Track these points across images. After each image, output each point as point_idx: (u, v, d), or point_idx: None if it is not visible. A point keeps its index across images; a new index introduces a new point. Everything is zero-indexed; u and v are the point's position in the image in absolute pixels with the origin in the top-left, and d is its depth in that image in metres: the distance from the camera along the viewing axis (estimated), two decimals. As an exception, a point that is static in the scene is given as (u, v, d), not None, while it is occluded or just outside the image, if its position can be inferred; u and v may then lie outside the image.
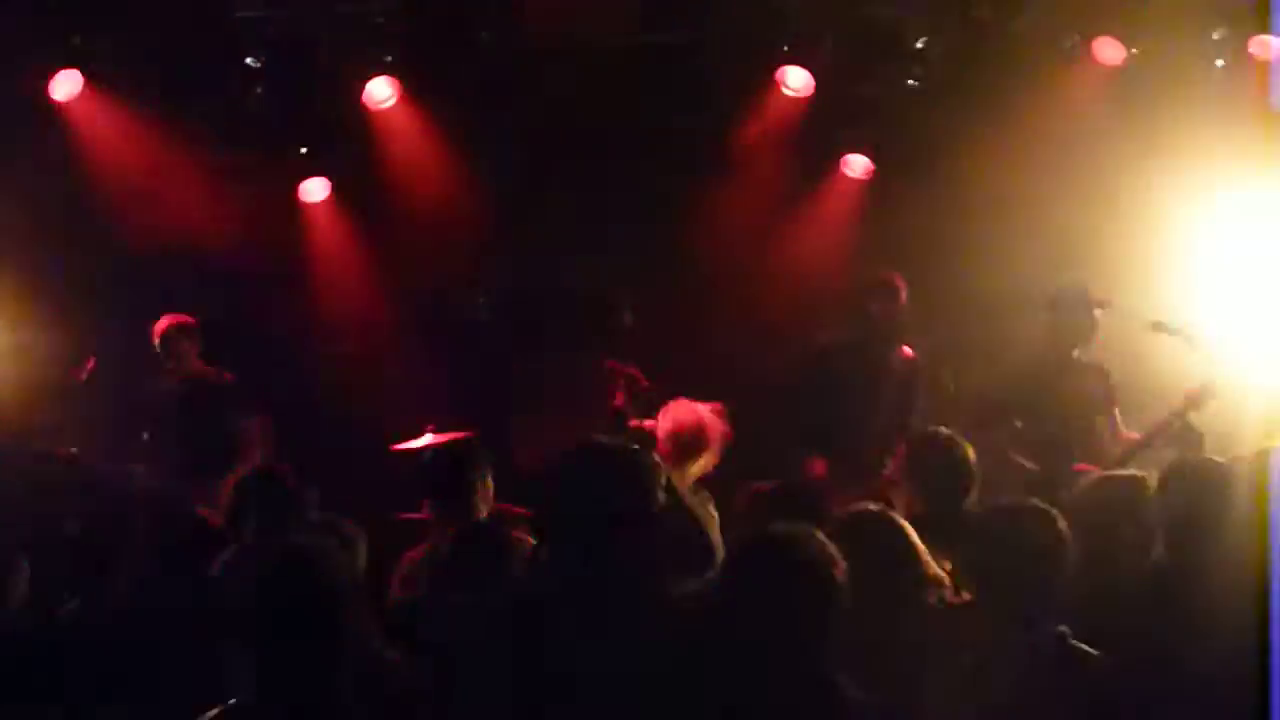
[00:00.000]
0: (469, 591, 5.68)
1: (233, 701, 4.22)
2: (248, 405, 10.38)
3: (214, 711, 4.23)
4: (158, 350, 10.42)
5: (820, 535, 4.46)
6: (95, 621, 6.13)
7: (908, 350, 10.13)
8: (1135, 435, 9.47)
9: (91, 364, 10.38)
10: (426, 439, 10.12)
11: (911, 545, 5.38)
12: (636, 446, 4.78)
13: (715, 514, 7.75)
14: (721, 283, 11.92)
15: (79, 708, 5.59)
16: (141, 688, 5.48)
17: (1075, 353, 9.80)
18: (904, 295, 9.98)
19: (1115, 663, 5.00)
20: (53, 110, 11.43)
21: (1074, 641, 4.99)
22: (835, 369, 9.98)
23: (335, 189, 12.26)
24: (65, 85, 11.34)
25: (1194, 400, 9.11)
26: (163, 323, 10.45)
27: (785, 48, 11.68)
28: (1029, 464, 9.47)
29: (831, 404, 9.90)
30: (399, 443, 10.27)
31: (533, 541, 6.15)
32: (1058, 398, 9.64)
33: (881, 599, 4.86)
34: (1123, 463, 9.11)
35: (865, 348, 10.03)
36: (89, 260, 11.73)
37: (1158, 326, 9.59)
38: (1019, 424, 9.72)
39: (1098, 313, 9.71)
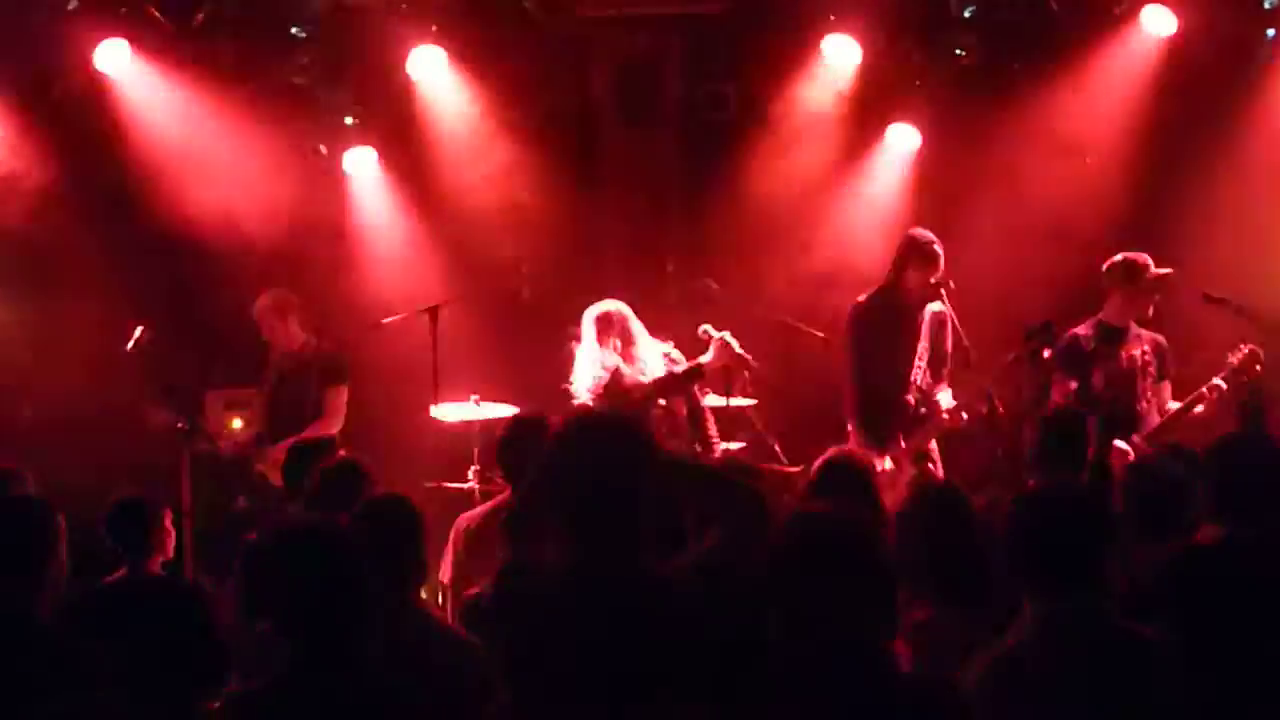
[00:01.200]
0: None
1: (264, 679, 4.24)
2: (338, 374, 10.48)
3: (243, 690, 4.25)
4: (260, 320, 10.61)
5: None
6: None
7: (938, 306, 9.97)
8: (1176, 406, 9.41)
9: (139, 332, 10.42)
10: (469, 408, 10.14)
11: None
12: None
13: None
14: (766, 252, 11.86)
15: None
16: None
17: (1135, 323, 9.68)
18: (939, 259, 9.86)
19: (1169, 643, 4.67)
20: (98, 80, 11.49)
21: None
22: (872, 327, 9.89)
23: (381, 158, 12.28)
24: (112, 55, 11.39)
25: (1240, 370, 9.05)
26: (263, 300, 10.61)
27: (831, 17, 11.58)
28: None
29: (871, 363, 9.83)
30: (440, 412, 10.31)
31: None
32: (1115, 366, 9.54)
33: None
34: (1164, 433, 9.10)
35: (901, 307, 9.93)
36: (132, 233, 11.78)
37: (1209, 299, 9.52)
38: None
39: (1156, 284, 9.60)
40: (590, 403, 9.25)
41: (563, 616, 4.27)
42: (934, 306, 9.85)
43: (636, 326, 9.58)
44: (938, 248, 9.79)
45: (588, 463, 4.39)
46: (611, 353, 9.43)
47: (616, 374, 9.37)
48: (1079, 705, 4.43)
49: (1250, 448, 5.88)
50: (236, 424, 11.52)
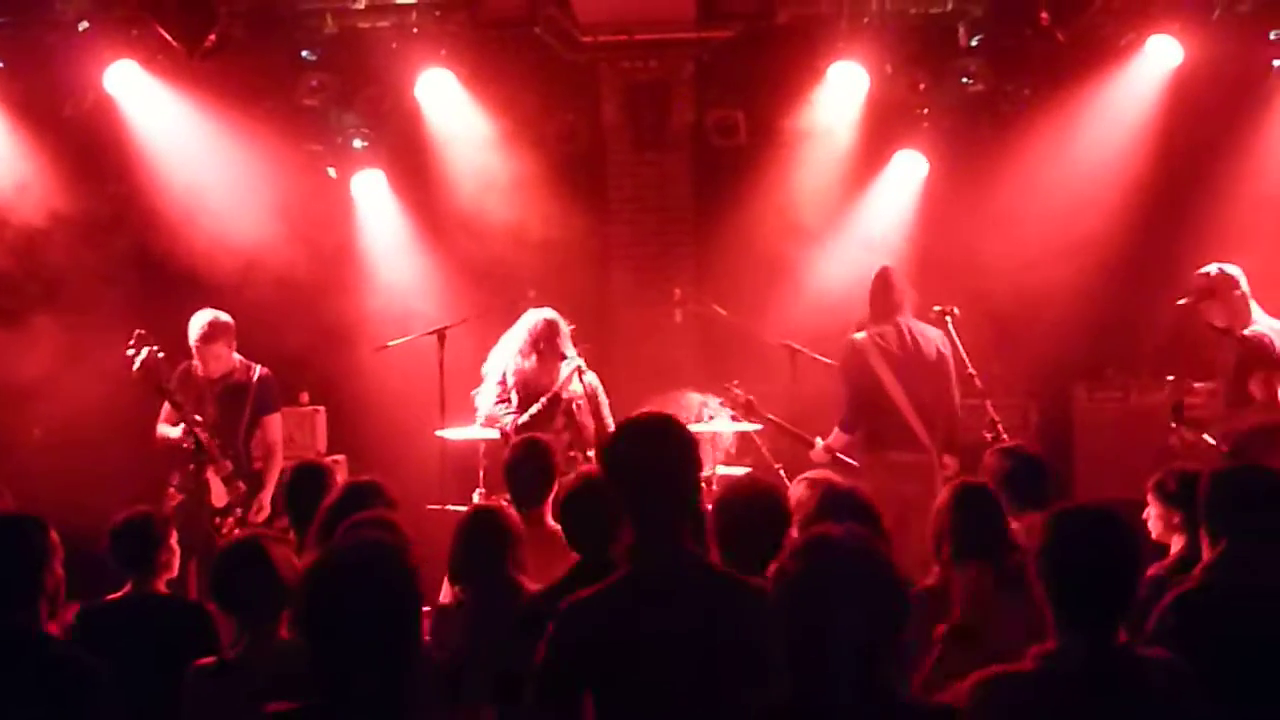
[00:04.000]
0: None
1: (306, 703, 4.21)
2: (272, 403, 10.28)
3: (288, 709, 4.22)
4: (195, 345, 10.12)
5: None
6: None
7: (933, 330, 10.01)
8: None
9: (145, 352, 10.39)
10: (475, 430, 10.15)
11: None
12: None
13: None
14: (773, 278, 11.88)
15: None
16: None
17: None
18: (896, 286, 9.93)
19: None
20: (109, 101, 11.55)
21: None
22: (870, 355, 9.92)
23: (390, 181, 12.32)
24: (122, 76, 11.44)
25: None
26: (200, 319, 10.12)
27: (839, 45, 11.62)
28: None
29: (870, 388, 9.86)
30: (445, 433, 10.33)
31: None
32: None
33: None
34: None
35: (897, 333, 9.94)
36: (140, 253, 11.83)
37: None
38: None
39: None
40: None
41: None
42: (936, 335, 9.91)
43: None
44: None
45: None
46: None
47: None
48: None
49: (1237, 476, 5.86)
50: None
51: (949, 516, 6.31)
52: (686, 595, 4.56)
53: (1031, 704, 4.35)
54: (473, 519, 6.52)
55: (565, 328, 10.01)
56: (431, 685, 4.70)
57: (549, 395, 9.92)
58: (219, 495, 9.77)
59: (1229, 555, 5.54)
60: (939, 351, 9.92)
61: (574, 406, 9.97)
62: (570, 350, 9.97)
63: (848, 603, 4.02)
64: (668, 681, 4.50)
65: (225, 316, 10.06)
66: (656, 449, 4.69)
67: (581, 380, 9.92)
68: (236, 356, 10.11)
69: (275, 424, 10.25)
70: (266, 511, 9.89)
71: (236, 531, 9.69)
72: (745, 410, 10.19)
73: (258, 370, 10.18)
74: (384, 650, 4.12)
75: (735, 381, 10.29)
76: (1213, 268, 9.44)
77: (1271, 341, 9.26)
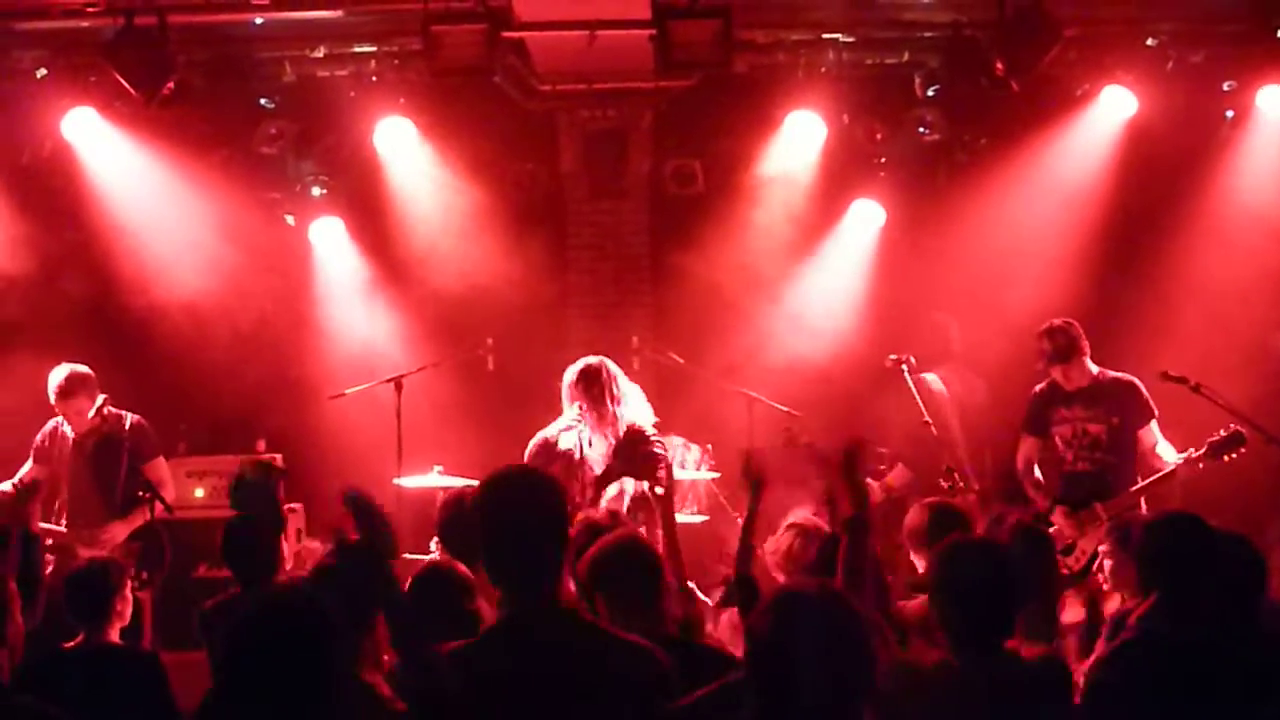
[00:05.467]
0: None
1: None
2: (151, 449, 10.12)
3: None
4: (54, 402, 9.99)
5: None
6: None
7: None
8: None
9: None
10: (433, 478, 10.12)
11: None
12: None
13: None
14: (731, 326, 11.91)
15: None
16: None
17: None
18: None
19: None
20: (65, 149, 11.53)
21: None
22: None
23: (348, 229, 12.32)
24: (80, 123, 11.42)
25: (1216, 450, 9.11)
26: (55, 376, 9.98)
27: (796, 94, 11.68)
28: None
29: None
30: (403, 482, 10.29)
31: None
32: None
33: None
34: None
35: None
36: (96, 299, 11.80)
37: (1167, 377, 9.57)
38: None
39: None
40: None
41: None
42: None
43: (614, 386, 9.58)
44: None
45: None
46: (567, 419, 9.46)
47: (545, 445, 9.45)
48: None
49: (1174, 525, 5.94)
50: (199, 493, 11.48)
51: None
52: (545, 643, 4.47)
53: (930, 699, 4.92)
54: (424, 578, 6.41)
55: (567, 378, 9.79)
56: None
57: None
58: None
59: (1158, 606, 5.66)
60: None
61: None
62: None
63: (815, 660, 4.03)
64: None
65: (82, 369, 9.95)
66: (515, 503, 4.60)
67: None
68: (110, 408, 9.93)
69: (157, 469, 10.08)
70: (117, 540, 9.75)
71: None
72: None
73: (129, 419, 10.03)
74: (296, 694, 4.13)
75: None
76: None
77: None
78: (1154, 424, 9.57)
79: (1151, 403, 9.54)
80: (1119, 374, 9.72)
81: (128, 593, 6.87)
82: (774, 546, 7.35)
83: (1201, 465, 9.21)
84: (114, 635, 6.76)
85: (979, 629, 5.06)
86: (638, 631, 4.80)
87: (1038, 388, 9.91)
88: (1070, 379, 9.73)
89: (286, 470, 4.85)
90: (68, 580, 6.76)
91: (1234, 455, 9.13)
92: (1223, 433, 9.13)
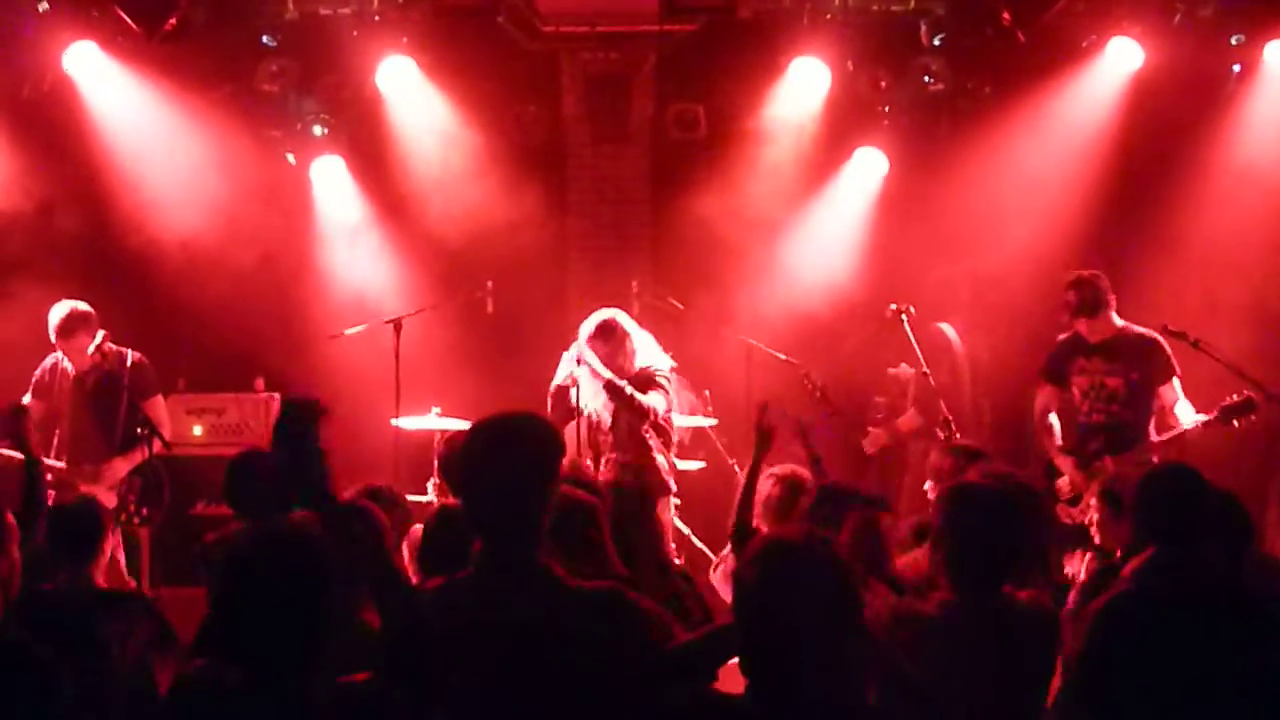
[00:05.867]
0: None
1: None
2: (150, 387, 10.00)
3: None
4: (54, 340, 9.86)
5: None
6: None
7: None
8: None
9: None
10: (431, 419, 10.13)
11: None
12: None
13: None
14: (731, 273, 11.90)
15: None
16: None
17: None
18: None
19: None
20: (66, 83, 11.49)
21: None
22: None
23: (349, 168, 12.29)
24: (81, 58, 11.38)
25: (1227, 414, 9.10)
26: (56, 312, 9.85)
27: (801, 41, 11.64)
28: None
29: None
30: (401, 423, 10.31)
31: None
32: None
33: None
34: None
35: None
36: (97, 235, 11.78)
37: (1169, 332, 9.56)
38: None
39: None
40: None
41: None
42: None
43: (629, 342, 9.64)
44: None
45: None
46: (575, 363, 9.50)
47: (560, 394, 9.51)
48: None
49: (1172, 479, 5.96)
50: (197, 430, 11.49)
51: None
52: (518, 598, 4.40)
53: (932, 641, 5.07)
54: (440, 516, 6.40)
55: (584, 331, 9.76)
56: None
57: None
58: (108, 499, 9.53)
59: (1155, 561, 5.66)
60: None
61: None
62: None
63: (803, 607, 4.03)
64: (494, 677, 4.38)
65: (83, 306, 9.85)
66: (494, 456, 4.50)
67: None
68: (110, 345, 9.83)
69: (156, 407, 9.99)
70: (118, 477, 9.72)
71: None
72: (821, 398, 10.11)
73: (130, 356, 9.94)
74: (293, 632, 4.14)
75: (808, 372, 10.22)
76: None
77: None
78: (1176, 382, 9.50)
79: (1174, 360, 9.48)
80: (1143, 329, 9.63)
81: (110, 531, 6.75)
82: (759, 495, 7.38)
83: (1210, 429, 9.22)
84: (99, 577, 6.60)
85: (979, 572, 5.18)
86: (587, 576, 4.75)
87: (1061, 337, 9.86)
88: (1094, 331, 9.67)
89: (328, 408, 4.71)
90: (51, 518, 6.66)
91: (1245, 420, 9.13)
92: (1234, 397, 9.09)
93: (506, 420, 4.63)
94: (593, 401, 9.55)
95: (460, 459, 4.58)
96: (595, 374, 9.40)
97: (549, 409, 9.48)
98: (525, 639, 4.36)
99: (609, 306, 9.82)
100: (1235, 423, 9.07)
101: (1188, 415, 9.32)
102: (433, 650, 4.42)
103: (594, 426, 9.63)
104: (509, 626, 4.36)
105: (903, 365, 11.04)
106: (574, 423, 9.50)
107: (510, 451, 4.50)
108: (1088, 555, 7.61)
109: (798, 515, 7.05)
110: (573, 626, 4.39)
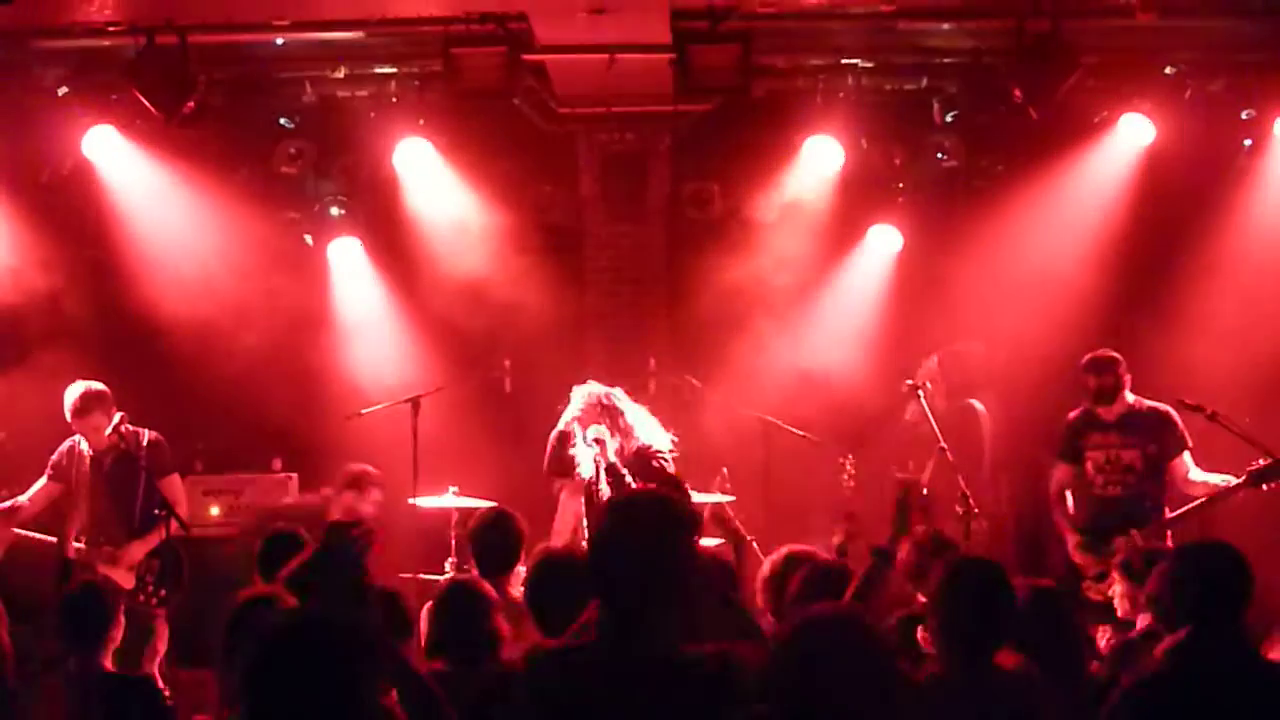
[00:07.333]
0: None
1: None
2: (166, 466, 10.04)
3: None
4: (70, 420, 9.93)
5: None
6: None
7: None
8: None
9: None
10: (448, 499, 10.12)
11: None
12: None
13: None
14: (747, 350, 11.90)
15: None
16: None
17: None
18: None
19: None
20: (86, 167, 11.59)
21: None
22: None
23: (366, 249, 12.35)
24: (100, 141, 11.48)
25: (1256, 478, 9.08)
26: (71, 393, 9.92)
27: (815, 119, 11.70)
28: None
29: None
30: (420, 500, 10.30)
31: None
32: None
33: None
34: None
35: None
36: (116, 317, 11.85)
37: (1184, 405, 9.58)
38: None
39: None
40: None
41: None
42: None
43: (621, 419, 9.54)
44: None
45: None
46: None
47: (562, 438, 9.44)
48: None
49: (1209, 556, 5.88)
50: (214, 511, 11.51)
51: None
52: (635, 679, 4.31)
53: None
54: (450, 592, 6.41)
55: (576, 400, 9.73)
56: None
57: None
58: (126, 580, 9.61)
59: (1189, 643, 5.54)
60: None
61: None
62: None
63: (839, 682, 4.02)
64: None
65: (98, 386, 9.92)
66: (635, 531, 4.42)
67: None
68: (127, 426, 9.86)
69: (172, 486, 10.03)
70: (135, 559, 9.77)
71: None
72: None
73: (146, 435, 10.00)
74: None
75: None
76: None
77: None
78: (1187, 455, 9.59)
79: (1186, 434, 9.56)
80: (1156, 403, 9.74)
81: (120, 617, 6.69)
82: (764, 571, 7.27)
83: (1240, 494, 9.22)
84: (107, 662, 6.52)
85: (971, 643, 5.27)
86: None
87: (1072, 415, 9.90)
88: (1110, 410, 9.76)
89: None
90: (61, 604, 6.58)
91: (1274, 484, 9.11)
92: (1261, 461, 9.09)
93: (651, 498, 4.71)
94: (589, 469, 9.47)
95: (601, 534, 4.55)
96: (603, 453, 9.28)
97: (548, 454, 9.45)
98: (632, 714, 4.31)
99: (624, 384, 9.78)
100: (1265, 487, 9.06)
101: (1216, 477, 9.33)
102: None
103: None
104: (622, 706, 4.30)
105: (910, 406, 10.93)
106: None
107: (654, 528, 4.43)
108: (1108, 628, 7.59)
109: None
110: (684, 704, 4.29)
